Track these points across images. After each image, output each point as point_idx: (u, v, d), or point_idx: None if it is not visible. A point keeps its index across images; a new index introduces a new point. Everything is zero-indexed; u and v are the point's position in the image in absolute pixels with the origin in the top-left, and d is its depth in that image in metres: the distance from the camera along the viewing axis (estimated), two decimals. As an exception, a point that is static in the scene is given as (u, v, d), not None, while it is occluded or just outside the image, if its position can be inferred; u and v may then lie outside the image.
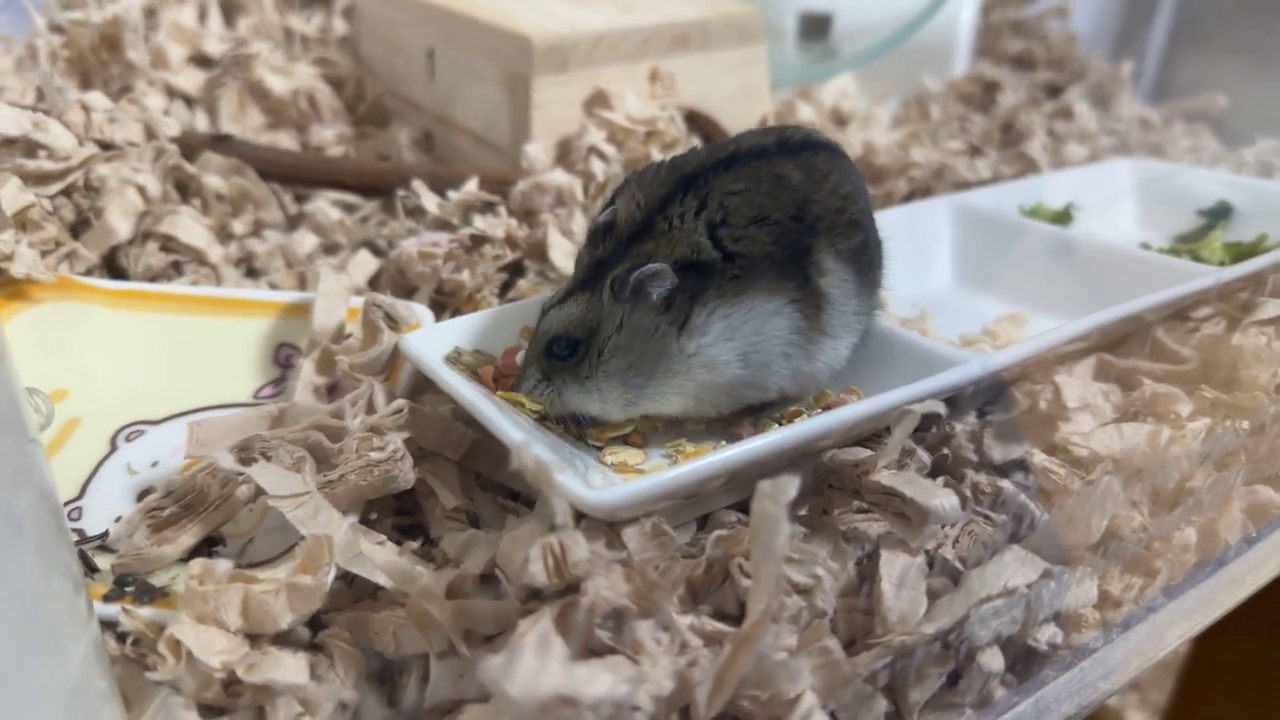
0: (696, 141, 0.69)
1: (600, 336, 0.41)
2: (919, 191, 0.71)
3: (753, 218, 0.41)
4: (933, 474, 0.41)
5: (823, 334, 0.43)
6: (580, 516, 0.34)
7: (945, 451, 0.43)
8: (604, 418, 0.43)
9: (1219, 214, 0.66)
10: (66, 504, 0.42)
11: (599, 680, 0.27)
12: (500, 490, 0.42)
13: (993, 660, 0.35)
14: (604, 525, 0.35)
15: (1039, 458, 0.42)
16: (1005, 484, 0.40)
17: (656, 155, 0.63)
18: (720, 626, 0.33)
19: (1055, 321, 0.48)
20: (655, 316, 0.41)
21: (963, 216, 0.63)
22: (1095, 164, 0.74)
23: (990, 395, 0.47)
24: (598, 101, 0.66)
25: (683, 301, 0.41)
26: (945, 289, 0.62)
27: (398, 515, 0.41)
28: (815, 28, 0.94)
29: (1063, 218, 0.65)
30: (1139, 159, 0.75)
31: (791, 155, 0.44)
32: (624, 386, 0.41)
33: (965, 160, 0.75)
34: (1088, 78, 0.95)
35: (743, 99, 0.73)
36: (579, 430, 0.43)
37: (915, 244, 0.60)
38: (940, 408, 0.38)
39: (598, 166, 0.63)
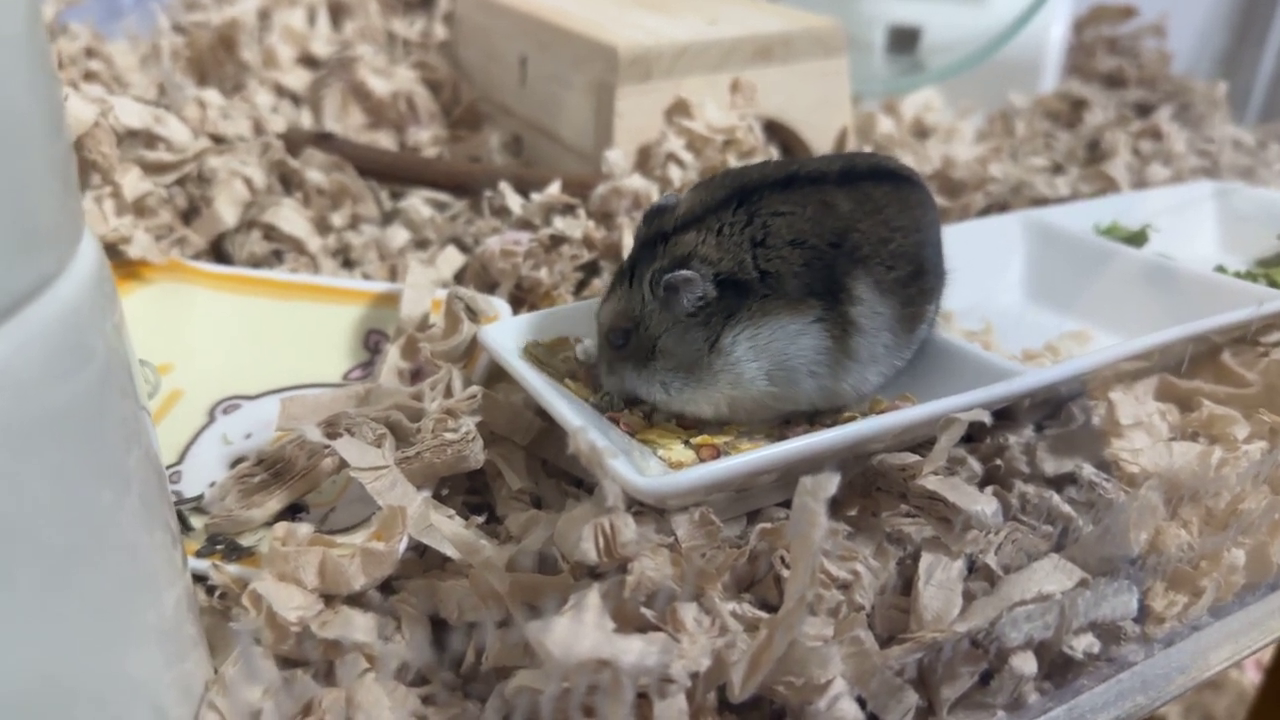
0: (774, 151, 0.71)
1: (644, 328, 0.43)
2: (995, 206, 0.71)
3: (790, 240, 0.42)
4: (983, 483, 0.42)
5: (849, 359, 0.43)
6: (633, 503, 0.36)
7: (998, 462, 0.44)
8: (659, 406, 0.45)
9: (1302, 238, 0.66)
10: (168, 468, 0.46)
11: (635, 648, 0.29)
12: (564, 477, 0.44)
13: (1025, 664, 0.36)
14: (655, 512, 0.37)
15: (1088, 471, 0.42)
16: (1051, 495, 0.40)
17: (733, 163, 0.64)
18: (761, 614, 0.35)
19: (1120, 340, 0.48)
20: (694, 329, 0.43)
21: (1036, 232, 0.63)
22: (1177, 185, 0.73)
23: (1048, 410, 0.47)
24: (678, 110, 0.68)
25: (717, 320, 0.42)
26: (1014, 304, 0.62)
27: (467, 494, 0.43)
28: (903, 41, 0.95)
29: (1138, 238, 0.64)
30: (1223, 181, 0.74)
31: (849, 184, 0.45)
32: (663, 385, 0.44)
33: (1044, 177, 0.75)
34: (1180, 97, 0.93)
35: (823, 110, 0.74)
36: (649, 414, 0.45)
37: (986, 258, 0.60)
38: (986, 417, 0.39)
39: (675, 173, 0.64)
